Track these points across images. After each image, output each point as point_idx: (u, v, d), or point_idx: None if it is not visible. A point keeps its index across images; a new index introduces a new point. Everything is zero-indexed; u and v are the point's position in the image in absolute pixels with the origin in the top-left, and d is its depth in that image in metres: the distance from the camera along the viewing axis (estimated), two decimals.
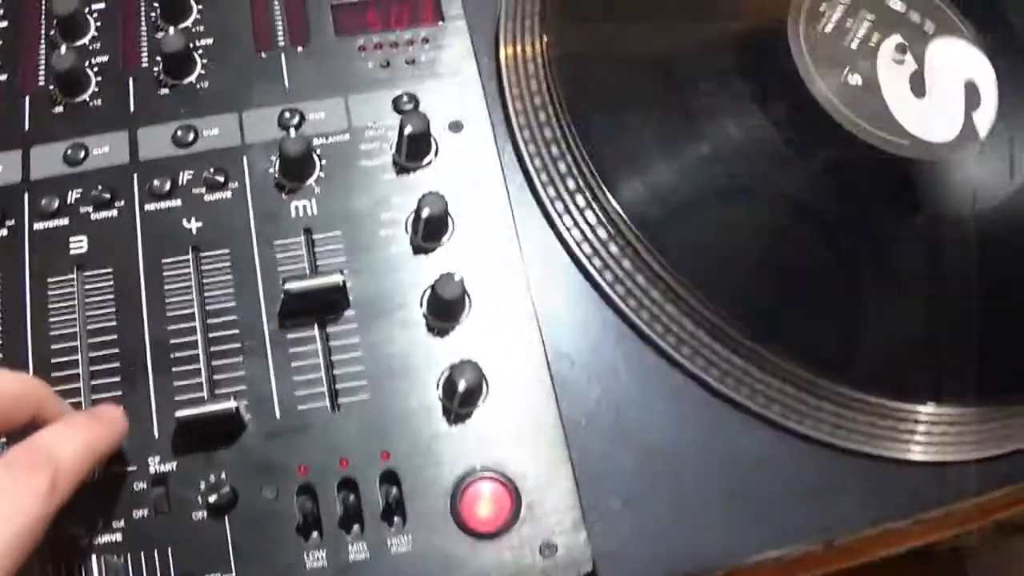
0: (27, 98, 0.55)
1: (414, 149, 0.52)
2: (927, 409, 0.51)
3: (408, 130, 0.51)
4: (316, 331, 0.49)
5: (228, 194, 0.52)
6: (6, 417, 0.42)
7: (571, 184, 0.53)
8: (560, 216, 0.53)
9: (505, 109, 0.56)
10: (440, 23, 0.58)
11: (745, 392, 0.50)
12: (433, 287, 0.49)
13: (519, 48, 0.58)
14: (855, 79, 0.58)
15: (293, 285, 0.48)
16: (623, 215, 0.52)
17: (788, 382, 0.51)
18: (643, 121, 0.55)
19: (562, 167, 0.54)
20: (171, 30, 0.55)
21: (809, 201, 0.55)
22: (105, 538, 0.45)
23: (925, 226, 0.56)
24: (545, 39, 0.57)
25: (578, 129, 0.54)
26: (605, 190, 0.53)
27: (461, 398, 0.47)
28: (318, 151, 0.53)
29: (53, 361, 0.48)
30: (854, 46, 0.59)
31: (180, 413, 0.46)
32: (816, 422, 0.50)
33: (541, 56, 0.57)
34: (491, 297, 0.51)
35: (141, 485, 0.46)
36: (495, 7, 0.59)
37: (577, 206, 0.53)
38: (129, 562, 0.45)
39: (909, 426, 0.51)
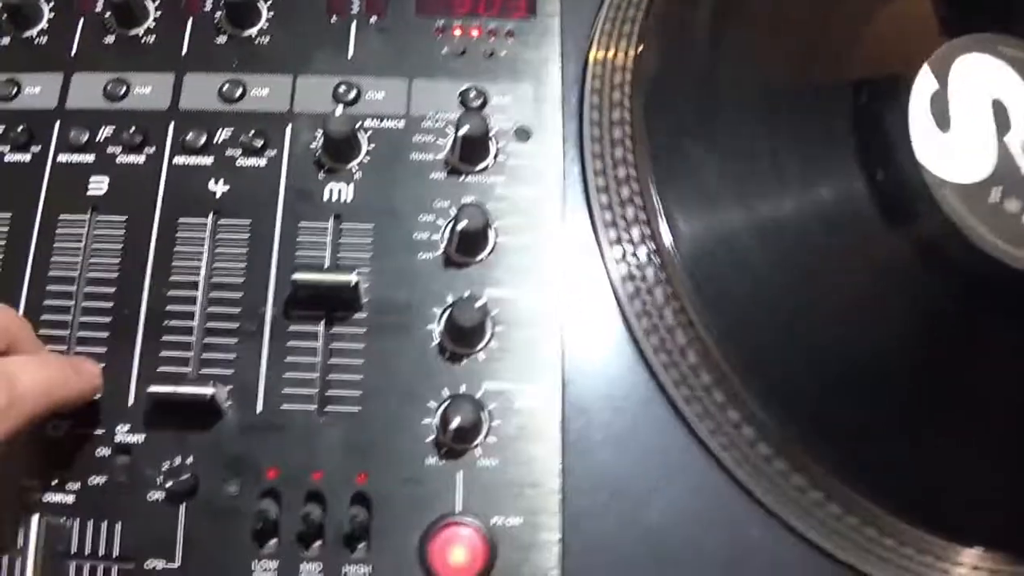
0: (81, 20, 0.60)
1: (468, 152, 0.55)
2: (973, 552, 0.52)
3: (463, 131, 0.54)
4: (321, 328, 0.53)
5: (263, 161, 0.56)
6: (31, 422, 0.45)
7: (630, 213, 0.55)
8: (614, 256, 0.55)
9: (580, 123, 0.59)
10: (532, 17, 0.60)
11: (774, 494, 0.52)
12: (451, 310, 0.52)
13: (611, 53, 0.60)
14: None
15: (302, 275, 0.51)
16: (677, 262, 0.53)
17: (829, 496, 0.52)
18: (723, 160, 0.57)
19: (627, 201, 0.55)
20: None
21: (892, 290, 0.56)
22: (57, 497, 0.50)
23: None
24: (640, 48, 0.59)
25: (652, 156, 0.56)
26: (664, 228, 0.54)
27: (454, 435, 0.50)
28: (368, 133, 0.56)
29: (45, 302, 0.53)
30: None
31: (153, 388, 0.50)
32: (843, 539, 0.51)
33: (633, 64, 0.58)
34: (517, 330, 0.53)
35: (105, 451, 0.51)
36: (594, 9, 0.62)
37: (631, 239, 0.55)
38: (75, 527, 0.49)
39: (946, 566, 0.52)
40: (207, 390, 0.50)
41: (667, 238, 0.54)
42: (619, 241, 0.55)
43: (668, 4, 0.60)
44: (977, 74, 0.61)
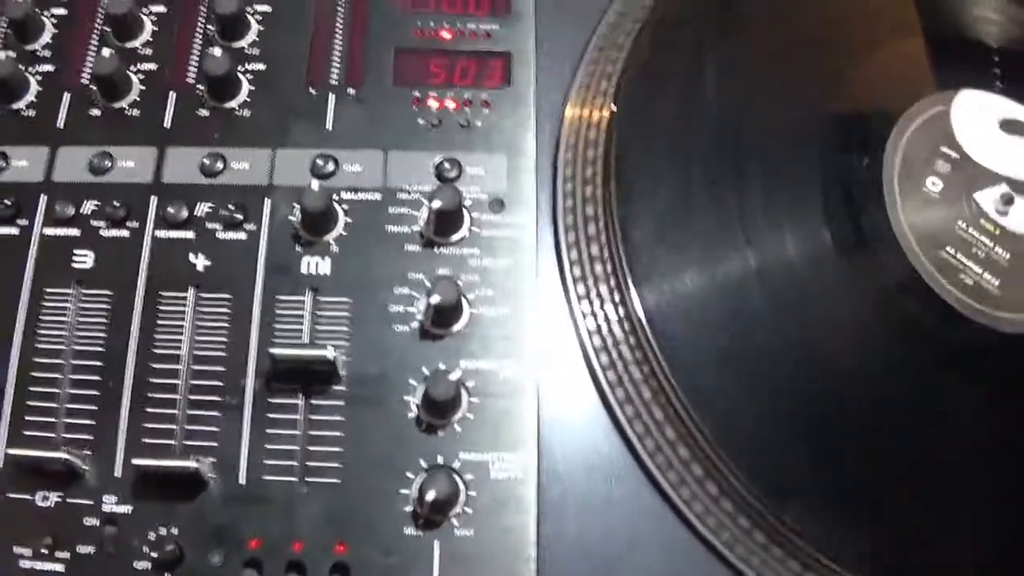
0: (67, 94, 0.62)
1: (443, 224, 0.57)
2: None
3: (437, 205, 0.55)
4: (300, 400, 0.54)
5: (243, 235, 0.58)
6: None
7: (603, 288, 0.57)
8: (587, 325, 0.57)
9: (554, 189, 0.61)
10: (506, 86, 0.62)
11: (751, 563, 0.53)
12: (426, 384, 0.54)
13: (585, 111, 0.62)
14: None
15: (280, 351, 0.53)
16: (644, 324, 0.55)
17: (806, 566, 0.54)
18: (692, 218, 0.59)
19: (598, 268, 0.57)
20: (219, 51, 0.61)
21: (852, 343, 0.58)
22: (47, 566, 0.52)
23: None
24: (614, 104, 0.61)
25: (620, 216, 0.58)
26: (634, 294, 0.56)
27: (430, 506, 0.51)
28: (345, 206, 0.58)
29: (33, 374, 0.55)
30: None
31: (138, 461, 0.52)
32: None
33: (607, 120, 0.61)
34: (493, 400, 0.55)
35: (93, 521, 0.52)
36: (568, 79, 0.64)
37: (602, 304, 0.57)
38: None
39: None
40: (191, 463, 0.52)
41: (636, 303, 0.56)
42: (591, 309, 0.57)
43: (642, 61, 0.62)
44: (952, 126, 0.63)
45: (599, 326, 0.57)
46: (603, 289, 0.57)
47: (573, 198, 0.60)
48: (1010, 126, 0.64)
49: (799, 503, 0.54)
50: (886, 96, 0.65)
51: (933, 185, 0.62)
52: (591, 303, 0.58)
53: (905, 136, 0.63)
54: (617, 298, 0.57)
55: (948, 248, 0.60)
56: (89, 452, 0.54)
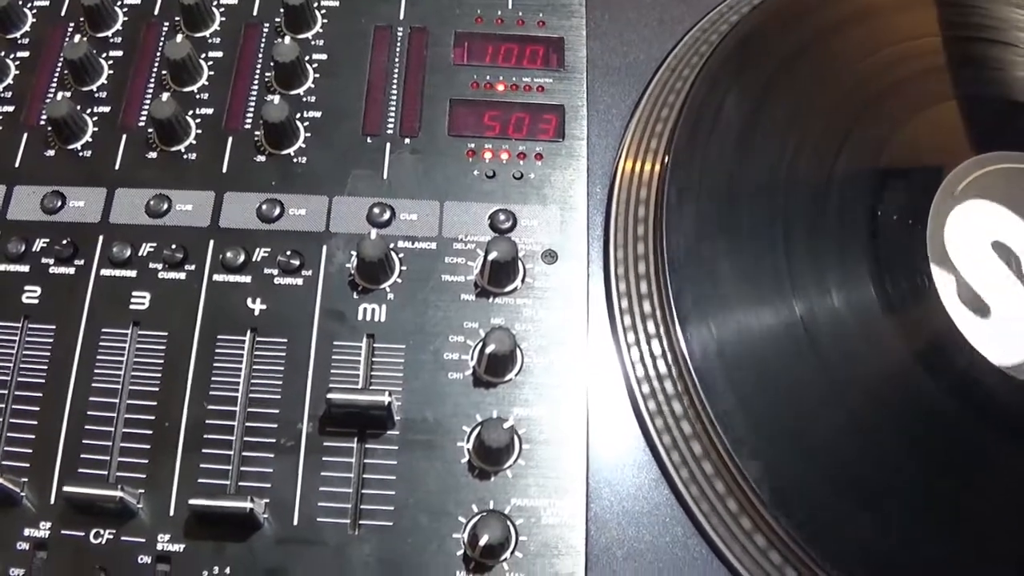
0: (124, 135, 0.67)
1: (497, 275, 0.61)
2: None
3: (493, 255, 0.60)
4: (355, 444, 0.59)
5: (299, 281, 0.62)
6: None
7: (655, 347, 0.62)
8: (637, 376, 0.62)
9: (606, 243, 0.66)
10: (560, 140, 0.67)
11: None
12: (479, 430, 0.58)
13: (637, 165, 0.67)
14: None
15: (337, 395, 0.57)
16: (695, 380, 0.60)
17: None
18: (740, 269, 0.64)
19: (651, 327, 0.62)
20: (277, 99, 0.66)
21: (892, 387, 0.63)
22: None
23: None
24: (664, 162, 0.66)
25: (671, 270, 0.62)
26: (682, 344, 0.60)
27: (482, 550, 0.55)
28: (400, 255, 0.63)
29: (89, 413, 0.59)
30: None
31: (194, 501, 0.55)
32: None
33: (657, 178, 0.65)
34: (543, 447, 0.59)
35: (145, 559, 0.56)
36: (619, 132, 0.69)
37: (652, 353, 0.62)
38: None
39: None
40: (246, 504, 0.55)
41: (684, 352, 0.61)
42: (640, 357, 0.62)
43: (692, 121, 0.67)
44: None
45: (648, 374, 0.61)
46: (654, 345, 0.62)
47: (624, 256, 0.64)
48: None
49: (844, 555, 0.58)
50: (930, 157, 0.70)
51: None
52: (640, 351, 0.62)
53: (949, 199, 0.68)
54: (666, 346, 0.61)
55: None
56: (143, 491, 0.57)
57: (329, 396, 0.57)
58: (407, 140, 0.67)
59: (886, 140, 0.69)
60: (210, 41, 0.71)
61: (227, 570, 0.56)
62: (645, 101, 0.70)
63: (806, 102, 0.69)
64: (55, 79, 0.70)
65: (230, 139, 0.67)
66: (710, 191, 0.66)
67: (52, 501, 0.57)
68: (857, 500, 0.60)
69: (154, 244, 0.63)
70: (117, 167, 0.66)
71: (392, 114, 0.68)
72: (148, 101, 0.68)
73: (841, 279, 0.64)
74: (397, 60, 0.70)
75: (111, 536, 0.56)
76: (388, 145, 0.67)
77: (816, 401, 0.62)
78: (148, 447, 0.58)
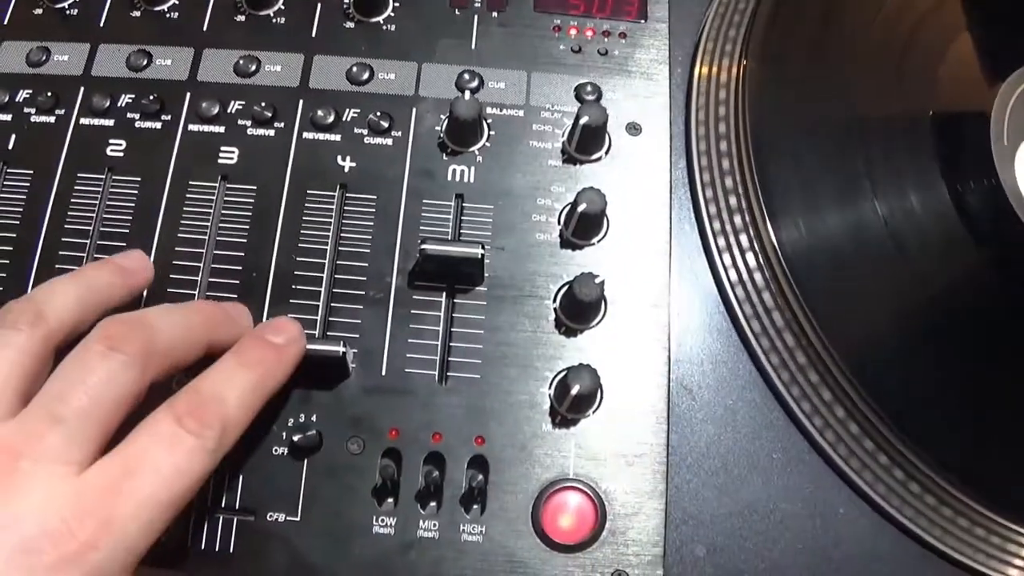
0: (211, 0, 0.68)
1: (586, 141, 0.63)
2: None
3: (584, 120, 0.61)
4: (443, 299, 0.60)
5: (389, 141, 0.63)
6: (176, 364, 0.52)
7: (738, 221, 0.63)
8: (719, 250, 0.63)
9: (688, 125, 0.67)
10: (643, 21, 0.69)
11: (869, 479, 0.59)
12: (571, 284, 0.59)
13: (715, 69, 0.69)
14: None
15: (431, 247, 0.58)
16: (784, 266, 0.62)
17: (928, 490, 0.59)
18: (824, 173, 0.65)
19: (732, 201, 0.64)
20: None
21: (968, 285, 0.66)
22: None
23: None
24: (744, 64, 0.68)
25: (757, 166, 0.64)
26: (772, 235, 0.62)
27: (571, 402, 0.56)
28: (489, 120, 0.64)
29: (174, 262, 0.60)
30: None
31: None
32: (944, 533, 0.59)
33: (736, 82, 0.67)
34: (627, 310, 0.60)
35: None
36: (701, 19, 0.71)
37: (739, 245, 0.63)
38: None
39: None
40: (339, 348, 0.56)
41: (773, 241, 0.62)
42: (727, 243, 0.64)
43: (767, 20, 0.69)
44: None
45: (735, 260, 0.63)
46: (742, 237, 0.64)
47: (707, 137, 0.66)
48: None
49: (922, 427, 0.59)
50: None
51: None
52: (728, 239, 0.64)
53: (1008, 105, 0.70)
54: (753, 234, 0.63)
55: None
56: None
57: (423, 247, 0.58)
58: (495, 14, 0.68)
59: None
60: None
61: (313, 417, 0.57)
62: None
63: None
64: None
65: (319, 5, 0.68)
66: (784, 98, 0.68)
67: None
68: (929, 373, 0.62)
69: (243, 102, 0.64)
70: (205, 29, 0.67)
71: None
72: None
73: (914, 178, 0.67)
74: None
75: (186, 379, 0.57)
76: (476, 17, 0.68)
77: (893, 291, 0.64)
78: (235, 297, 0.59)
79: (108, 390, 0.48)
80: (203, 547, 0.55)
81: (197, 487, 0.48)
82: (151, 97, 0.64)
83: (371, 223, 0.61)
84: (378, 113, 0.64)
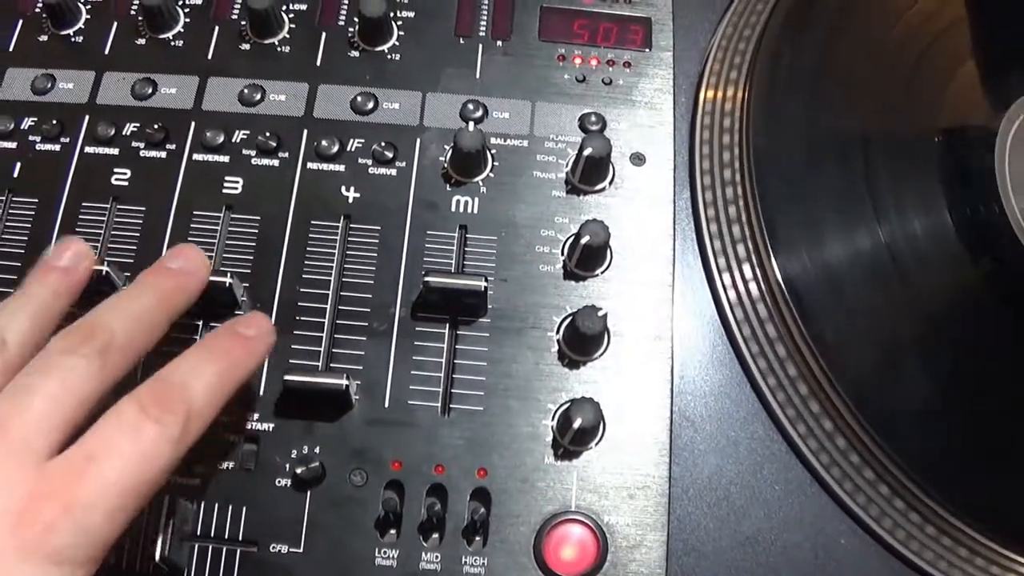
0: (216, 27, 0.68)
1: (590, 172, 0.63)
2: None
3: (588, 151, 0.62)
4: (446, 330, 0.60)
5: (393, 171, 0.64)
6: (140, 352, 0.51)
7: (741, 251, 0.64)
8: (721, 278, 0.64)
9: (692, 155, 0.68)
10: (647, 50, 0.69)
11: (874, 514, 0.60)
12: (574, 317, 0.59)
13: (720, 96, 0.69)
14: None
15: (434, 279, 0.59)
16: (787, 297, 0.62)
17: (928, 520, 0.59)
18: (829, 201, 0.66)
19: (736, 231, 0.64)
20: None
21: (973, 314, 0.66)
22: (184, 479, 0.57)
23: None
24: (749, 89, 0.68)
25: (760, 195, 0.64)
26: (775, 265, 0.63)
27: (574, 435, 0.57)
28: (493, 151, 0.65)
29: None
30: None
31: (289, 377, 0.57)
32: (940, 560, 0.59)
33: (741, 110, 0.68)
34: (631, 342, 0.61)
35: (234, 438, 0.58)
36: (705, 48, 0.72)
37: (743, 275, 0.64)
38: (201, 510, 0.56)
39: None
40: (342, 381, 0.57)
41: (775, 271, 0.63)
42: (731, 275, 0.64)
43: (772, 48, 0.69)
44: None
45: (736, 287, 0.64)
46: (744, 266, 0.64)
47: (711, 168, 0.67)
48: None
49: (925, 458, 0.60)
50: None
51: None
52: (729, 267, 0.64)
53: (1011, 132, 0.71)
54: (755, 263, 0.64)
55: None
56: None
57: (426, 279, 0.59)
58: (499, 43, 0.69)
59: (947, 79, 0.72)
60: None
61: (316, 449, 0.58)
62: (730, 16, 0.72)
63: (878, 33, 0.72)
64: None
65: (324, 34, 0.69)
66: (790, 123, 0.68)
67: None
68: (927, 395, 0.63)
69: (247, 132, 0.65)
70: (210, 57, 0.68)
71: (484, 17, 0.70)
72: None
73: (919, 206, 0.67)
74: None
75: None
76: (480, 47, 0.69)
77: (893, 314, 0.64)
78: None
79: (71, 387, 0.48)
80: None
81: (161, 477, 0.47)
82: (156, 126, 0.64)
83: (375, 254, 0.62)
84: (382, 143, 0.65)
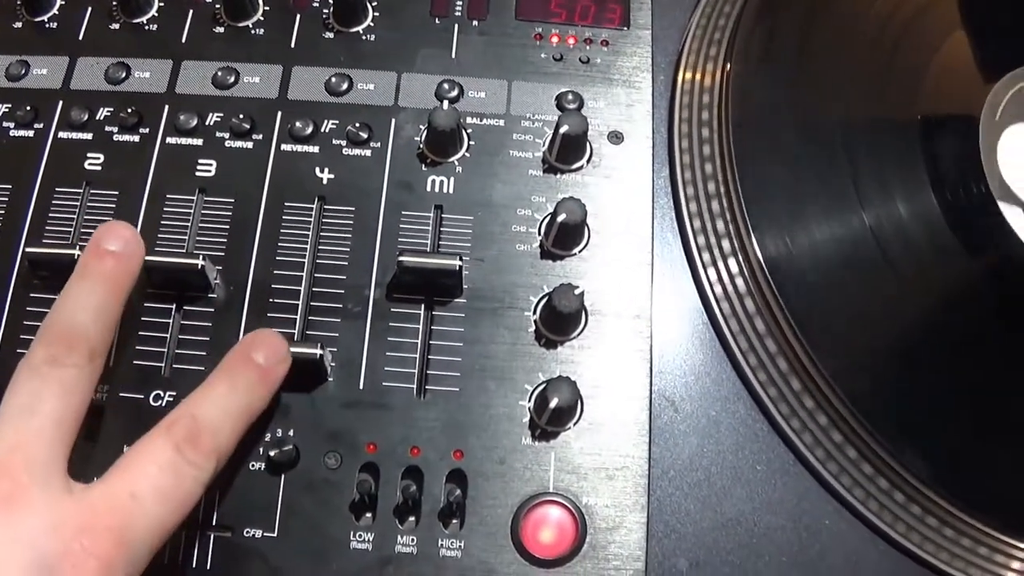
0: (191, 11, 0.68)
1: (566, 150, 0.63)
2: None
3: (564, 129, 0.61)
4: (422, 311, 0.60)
5: (368, 152, 0.64)
6: (107, 348, 0.52)
7: (720, 227, 0.63)
8: (701, 256, 0.63)
9: (670, 133, 0.67)
10: (625, 28, 0.69)
11: (858, 495, 0.59)
12: (550, 296, 0.59)
13: (699, 75, 0.68)
14: None
15: (408, 258, 0.58)
16: (766, 272, 0.61)
17: (913, 500, 0.59)
18: (808, 179, 0.65)
19: (715, 207, 0.64)
20: None
21: (955, 294, 0.65)
22: None
23: None
24: (728, 67, 0.68)
25: (740, 173, 0.64)
26: (754, 241, 0.62)
27: (551, 415, 0.56)
28: (469, 130, 0.64)
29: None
30: None
31: None
32: (927, 542, 0.58)
33: (720, 87, 0.67)
34: (609, 321, 0.60)
35: None
36: (684, 26, 0.71)
37: (721, 251, 0.63)
38: None
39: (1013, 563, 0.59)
40: (316, 350, 0.56)
41: (755, 247, 0.62)
42: (711, 253, 0.64)
43: (751, 25, 0.69)
44: None
45: (717, 267, 0.63)
46: (724, 244, 0.64)
47: (690, 147, 0.66)
48: None
49: (907, 436, 0.59)
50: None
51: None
52: (709, 246, 0.64)
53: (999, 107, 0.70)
54: (737, 244, 0.63)
55: None
56: (205, 353, 0.58)
57: (400, 259, 0.58)
58: (475, 22, 0.68)
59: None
60: None
61: (290, 432, 0.57)
62: None
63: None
64: None
65: (298, 16, 0.68)
66: (769, 103, 0.68)
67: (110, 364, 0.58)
68: (915, 384, 0.62)
69: (221, 114, 0.64)
70: (184, 40, 0.67)
71: None
72: None
73: (903, 187, 0.66)
74: None
75: (171, 399, 0.57)
76: (456, 26, 0.68)
77: (876, 295, 0.64)
78: (211, 310, 0.59)
79: (70, 402, 0.49)
80: (180, 564, 0.55)
81: (188, 512, 0.49)
82: (129, 110, 0.64)
83: (349, 235, 0.61)
84: (357, 124, 0.64)
